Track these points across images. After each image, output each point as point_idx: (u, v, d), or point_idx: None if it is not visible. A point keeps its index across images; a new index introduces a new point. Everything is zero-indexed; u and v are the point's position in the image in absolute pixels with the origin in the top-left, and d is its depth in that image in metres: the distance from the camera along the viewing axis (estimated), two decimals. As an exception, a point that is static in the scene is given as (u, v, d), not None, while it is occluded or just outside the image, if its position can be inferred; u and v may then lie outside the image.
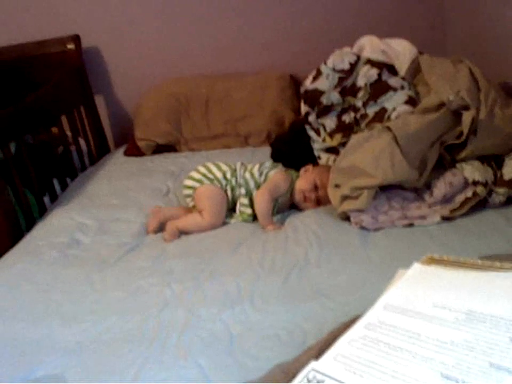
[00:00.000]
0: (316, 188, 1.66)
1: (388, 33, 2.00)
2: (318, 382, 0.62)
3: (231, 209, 1.72)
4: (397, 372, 0.60)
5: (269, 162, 1.82)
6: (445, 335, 0.65)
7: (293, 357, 0.78)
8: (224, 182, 1.71)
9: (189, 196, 1.74)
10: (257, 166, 1.76)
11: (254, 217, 1.66)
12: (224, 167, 1.74)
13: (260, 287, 1.25)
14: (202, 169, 1.74)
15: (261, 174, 1.73)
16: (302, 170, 1.75)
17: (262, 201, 1.63)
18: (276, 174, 1.72)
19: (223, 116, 2.38)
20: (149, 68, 2.58)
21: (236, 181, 1.71)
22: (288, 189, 1.69)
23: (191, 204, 1.74)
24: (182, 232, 1.64)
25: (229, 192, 1.70)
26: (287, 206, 1.71)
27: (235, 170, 1.74)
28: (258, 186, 1.70)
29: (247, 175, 1.72)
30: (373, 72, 1.82)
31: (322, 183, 1.65)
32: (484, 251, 1.07)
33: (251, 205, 1.67)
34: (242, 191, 1.70)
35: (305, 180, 1.69)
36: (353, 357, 0.64)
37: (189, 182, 1.73)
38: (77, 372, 1.05)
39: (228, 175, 1.72)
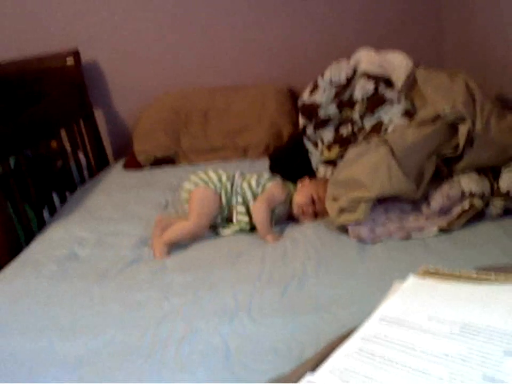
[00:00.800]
0: (313, 201, 1.67)
1: (385, 46, 2.01)
2: (314, 395, 0.62)
3: (226, 218, 1.73)
4: (392, 385, 0.61)
5: (267, 174, 1.83)
6: (439, 347, 0.65)
7: (290, 369, 0.78)
8: (218, 185, 1.73)
9: (186, 200, 1.76)
10: (255, 177, 1.77)
11: (252, 228, 1.67)
12: (221, 172, 1.78)
13: (258, 299, 1.25)
14: (200, 173, 1.78)
15: (258, 185, 1.74)
16: (298, 184, 1.76)
17: (260, 211, 1.64)
18: (273, 185, 1.74)
19: (222, 129, 2.40)
20: (148, 81, 2.60)
21: (232, 186, 1.73)
22: (286, 200, 1.71)
23: (187, 208, 1.75)
24: (173, 245, 1.63)
25: (223, 196, 1.72)
26: (284, 217, 1.72)
27: (233, 176, 1.77)
28: (255, 197, 1.71)
29: (245, 185, 1.74)
30: (370, 85, 1.84)
31: (319, 196, 1.65)
32: (480, 262, 1.07)
33: (248, 213, 1.68)
34: (239, 199, 1.71)
35: (302, 194, 1.70)
36: (349, 369, 0.65)
37: (186, 185, 1.77)
38: (76, 385, 1.05)
39: (223, 178, 1.74)
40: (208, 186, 1.72)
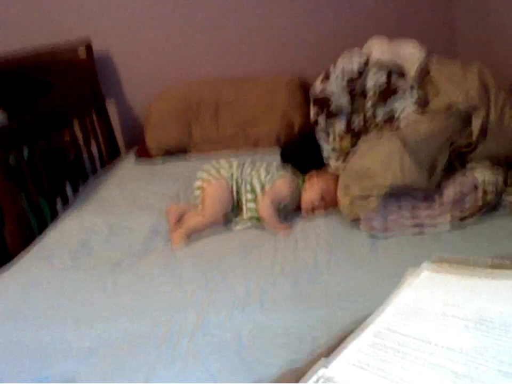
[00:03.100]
0: (322, 198, 1.66)
1: (398, 35, 2.00)
2: (327, 388, 0.62)
3: (237, 207, 1.73)
4: (406, 379, 0.61)
5: (276, 163, 1.84)
6: (454, 341, 0.65)
7: (302, 361, 0.78)
8: (229, 173, 1.75)
9: (197, 197, 1.77)
10: (264, 166, 1.79)
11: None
12: (232, 161, 1.80)
13: (270, 291, 1.25)
14: (207, 166, 1.80)
15: (266, 174, 1.74)
16: (306, 180, 1.75)
17: (265, 209, 1.64)
18: (281, 182, 1.73)
19: (233, 120, 2.39)
20: (159, 72, 2.60)
21: (241, 173, 1.75)
22: (293, 194, 1.70)
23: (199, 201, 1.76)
24: (191, 235, 1.66)
25: (234, 186, 1.73)
26: (292, 210, 1.71)
27: (243, 165, 1.79)
28: (262, 186, 1.71)
29: (254, 173, 1.75)
30: (382, 75, 1.82)
31: (329, 191, 1.65)
32: (493, 253, 1.05)
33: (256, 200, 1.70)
34: (248, 187, 1.72)
35: (311, 191, 1.69)
36: (363, 364, 0.64)
37: (197, 183, 1.78)
38: (89, 375, 1.07)
39: (234, 167, 1.77)
40: (220, 181, 1.73)
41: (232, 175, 1.75)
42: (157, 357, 1.08)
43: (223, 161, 1.80)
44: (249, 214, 1.69)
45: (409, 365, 0.62)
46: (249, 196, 1.71)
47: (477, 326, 0.66)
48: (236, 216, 1.72)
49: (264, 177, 1.74)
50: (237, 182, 1.74)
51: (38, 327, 1.25)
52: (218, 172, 1.75)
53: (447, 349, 0.63)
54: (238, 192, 1.73)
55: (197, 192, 1.78)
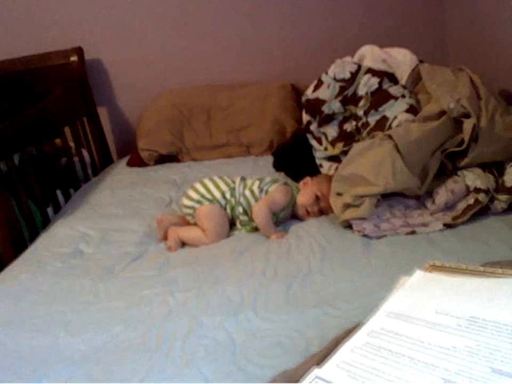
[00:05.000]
0: (317, 200, 1.65)
1: (389, 43, 2.01)
2: (321, 388, 0.62)
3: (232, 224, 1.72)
4: (399, 378, 0.61)
5: (268, 178, 1.78)
6: (447, 341, 0.65)
7: (296, 364, 0.78)
8: (223, 202, 1.68)
9: (189, 214, 1.72)
10: (257, 183, 1.72)
11: (257, 228, 1.66)
12: (223, 187, 1.71)
13: (263, 295, 1.25)
14: (200, 189, 1.71)
15: (261, 191, 1.70)
16: (301, 184, 1.73)
17: (260, 214, 1.61)
18: (276, 189, 1.70)
19: (225, 126, 2.39)
20: (151, 78, 2.60)
21: (235, 200, 1.69)
22: (289, 203, 1.68)
23: (192, 221, 1.72)
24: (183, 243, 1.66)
25: (229, 211, 1.69)
26: (288, 218, 1.70)
27: (234, 189, 1.71)
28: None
29: (247, 193, 1.69)
30: (374, 81, 1.84)
31: (323, 193, 1.63)
32: (486, 257, 1.07)
33: (251, 220, 1.67)
34: (241, 210, 1.68)
35: (305, 193, 1.67)
36: (356, 363, 0.65)
37: (187, 202, 1.71)
38: (82, 382, 1.05)
39: (227, 195, 1.69)
40: (214, 204, 1.68)
41: (226, 202, 1.69)
42: (150, 362, 1.07)
43: (212, 188, 1.70)
44: (245, 230, 1.67)
45: (402, 364, 0.63)
46: (243, 218, 1.68)
47: (469, 325, 0.66)
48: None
49: (258, 193, 1.69)
50: (231, 208, 1.69)
51: (30, 334, 1.24)
52: (211, 201, 1.69)
53: (439, 349, 0.64)
54: (232, 217, 1.70)
55: (185, 210, 1.73)
